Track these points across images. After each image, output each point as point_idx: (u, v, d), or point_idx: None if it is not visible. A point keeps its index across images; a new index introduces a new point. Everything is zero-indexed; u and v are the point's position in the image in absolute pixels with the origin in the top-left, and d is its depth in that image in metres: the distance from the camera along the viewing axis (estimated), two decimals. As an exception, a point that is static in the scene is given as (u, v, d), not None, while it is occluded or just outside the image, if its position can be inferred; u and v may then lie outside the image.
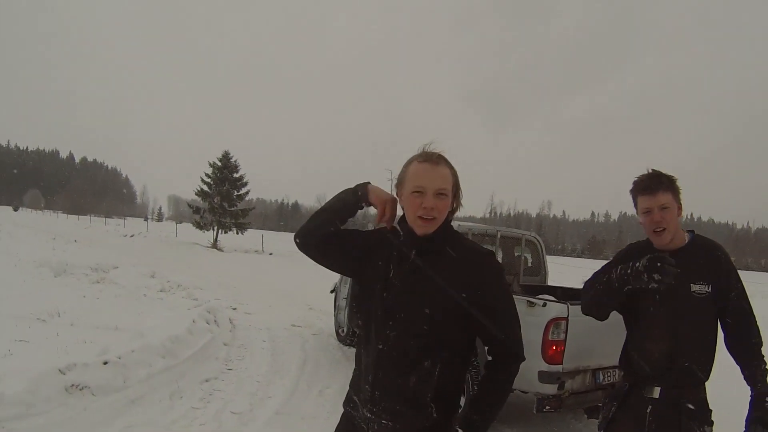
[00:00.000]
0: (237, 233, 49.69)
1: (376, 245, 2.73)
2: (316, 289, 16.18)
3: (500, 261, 8.91)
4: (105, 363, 7.05)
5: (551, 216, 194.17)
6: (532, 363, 5.23)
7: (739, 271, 3.42)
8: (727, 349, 3.43)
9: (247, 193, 51.36)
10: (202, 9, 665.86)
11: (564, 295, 8.12)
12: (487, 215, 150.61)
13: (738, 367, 3.37)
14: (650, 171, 3.42)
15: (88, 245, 30.34)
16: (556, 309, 5.90)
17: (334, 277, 11.68)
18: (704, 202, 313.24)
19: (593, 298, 3.58)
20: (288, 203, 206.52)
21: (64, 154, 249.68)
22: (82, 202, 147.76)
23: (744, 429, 3.27)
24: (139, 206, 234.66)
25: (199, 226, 47.97)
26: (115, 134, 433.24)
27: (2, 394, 5.68)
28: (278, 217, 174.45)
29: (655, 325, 3.39)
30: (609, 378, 6.03)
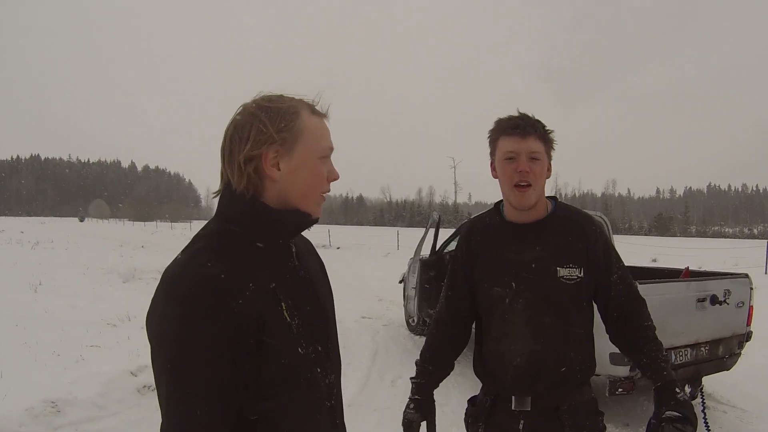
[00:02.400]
0: (303, 229, 49.55)
1: None
2: (385, 281, 16.27)
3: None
4: (176, 364, 7.12)
5: (616, 195, 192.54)
6: (604, 345, 5.11)
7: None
8: (613, 340, 2.76)
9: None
10: (268, 8, 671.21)
11: (632, 274, 7.99)
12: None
13: None
14: (520, 112, 2.62)
15: (155, 250, 30.77)
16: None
17: (402, 268, 11.72)
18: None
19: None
20: (353, 197, 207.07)
21: (125, 164, 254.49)
22: (147, 208, 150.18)
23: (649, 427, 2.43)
24: (204, 209, 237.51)
25: (263, 224, 48.58)
26: (176, 140, 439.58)
27: (75, 398, 5.82)
28: (344, 210, 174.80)
29: (512, 320, 2.61)
30: (682, 358, 5.90)
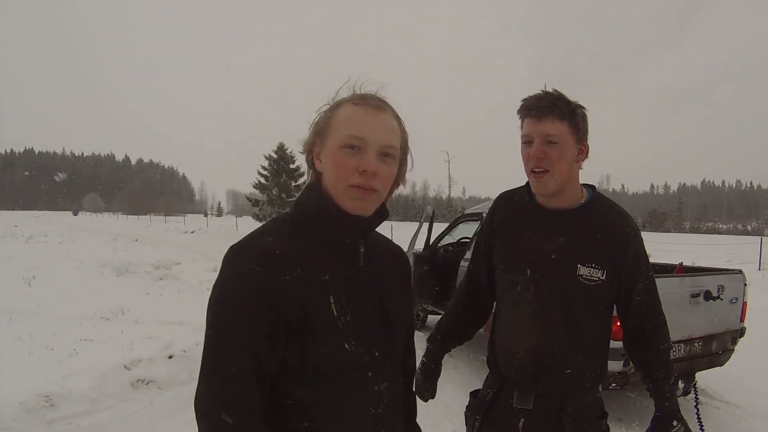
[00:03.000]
0: (297, 223, 49.06)
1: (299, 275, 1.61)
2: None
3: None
4: (170, 357, 7.14)
5: (610, 190, 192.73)
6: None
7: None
8: (627, 352, 2.66)
9: (304, 183, 51.15)
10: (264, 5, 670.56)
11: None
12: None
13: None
14: (543, 90, 2.38)
15: (149, 244, 30.74)
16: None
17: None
18: None
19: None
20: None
21: (119, 157, 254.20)
22: (141, 202, 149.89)
23: None
24: (198, 203, 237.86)
25: (259, 218, 48.23)
26: (170, 134, 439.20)
27: (69, 392, 5.80)
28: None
29: (519, 310, 2.47)
30: (675, 353, 5.89)
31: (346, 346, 1.65)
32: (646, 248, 2.54)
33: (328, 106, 1.75)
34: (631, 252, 2.41)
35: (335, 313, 1.63)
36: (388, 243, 2.04)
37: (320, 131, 1.73)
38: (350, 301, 1.68)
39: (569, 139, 2.33)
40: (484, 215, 8.87)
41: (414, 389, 2.53)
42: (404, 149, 1.79)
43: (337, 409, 1.68)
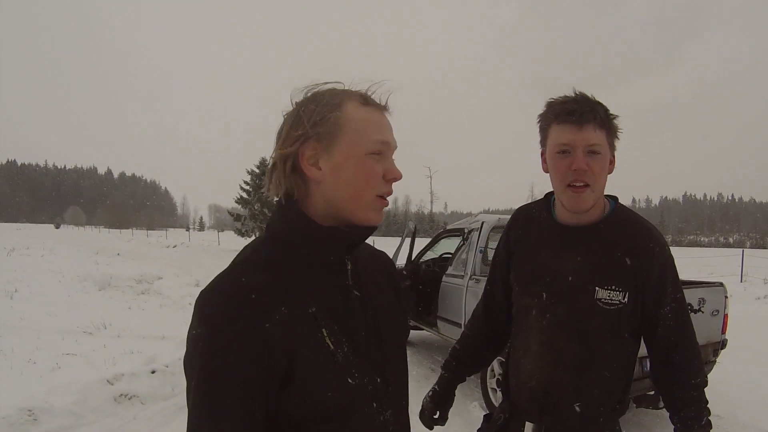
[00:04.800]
0: (279, 238, 48.87)
1: None
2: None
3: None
4: (153, 372, 7.11)
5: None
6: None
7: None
8: (654, 383, 2.28)
9: (288, 198, 50.95)
10: (243, 17, 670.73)
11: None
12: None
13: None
14: (577, 93, 2.13)
15: (131, 258, 30.53)
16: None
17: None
18: (751, 183, 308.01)
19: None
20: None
21: (102, 171, 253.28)
22: (123, 216, 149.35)
23: None
24: (180, 217, 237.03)
25: (241, 233, 48.10)
26: (152, 148, 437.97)
27: (51, 407, 5.78)
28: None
29: (534, 336, 2.24)
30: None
31: (350, 380, 1.46)
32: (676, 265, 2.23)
33: (325, 104, 1.48)
34: (655, 269, 2.13)
35: (331, 347, 1.44)
36: (368, 249, 1.81)
37: (319, 133, 1.46)
38: (343, 329, 1.49)
39: (607, 149, 2.12)
40: (466, 231, 8.75)
41: (420, 417, 2.54)
42: None
43: None
